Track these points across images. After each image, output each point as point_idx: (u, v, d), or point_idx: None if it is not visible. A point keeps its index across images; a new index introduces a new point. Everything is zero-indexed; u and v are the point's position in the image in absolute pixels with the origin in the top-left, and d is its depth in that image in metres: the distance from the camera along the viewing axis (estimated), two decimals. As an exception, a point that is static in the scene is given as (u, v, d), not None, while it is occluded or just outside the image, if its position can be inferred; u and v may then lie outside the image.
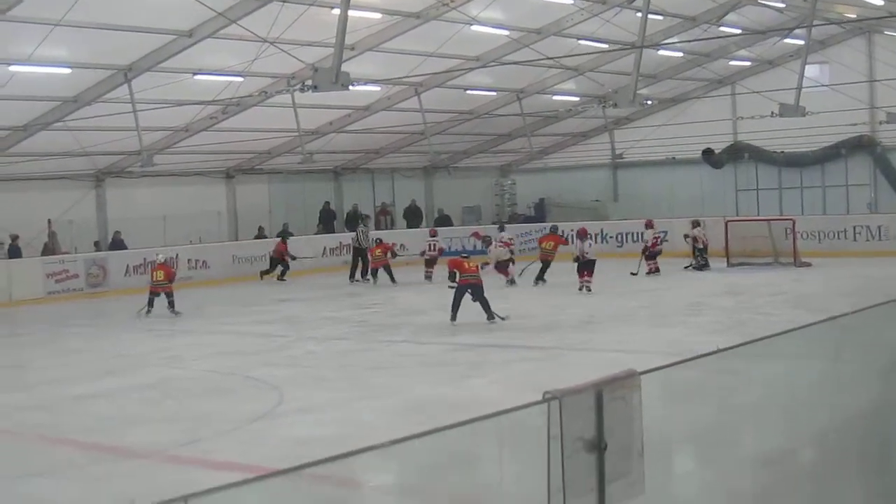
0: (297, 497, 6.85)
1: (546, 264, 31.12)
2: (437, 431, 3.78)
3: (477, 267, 24.04)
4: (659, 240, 33.38)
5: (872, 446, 7.32)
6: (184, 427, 14.37)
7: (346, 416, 14.54)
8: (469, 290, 23.32)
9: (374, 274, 33.72)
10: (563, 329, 22.40)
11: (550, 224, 34.48)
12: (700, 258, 33.60)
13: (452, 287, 23.85)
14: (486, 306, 23.20)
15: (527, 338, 21.28)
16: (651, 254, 32.71)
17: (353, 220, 43.04)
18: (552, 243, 31.66)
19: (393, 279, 32.75)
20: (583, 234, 30.11)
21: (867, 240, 36.22)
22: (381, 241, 35.05)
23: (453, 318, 23.07)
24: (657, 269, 32.44)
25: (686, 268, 33.29)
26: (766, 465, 6.90)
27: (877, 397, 7.66)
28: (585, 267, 29.17)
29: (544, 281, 30.78)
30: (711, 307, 25.09)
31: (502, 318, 23.07)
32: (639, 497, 4.21)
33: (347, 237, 40.20)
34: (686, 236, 34.08)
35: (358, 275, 34.78)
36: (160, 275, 27.32)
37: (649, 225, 33.83)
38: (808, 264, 32.77)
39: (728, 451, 6.80)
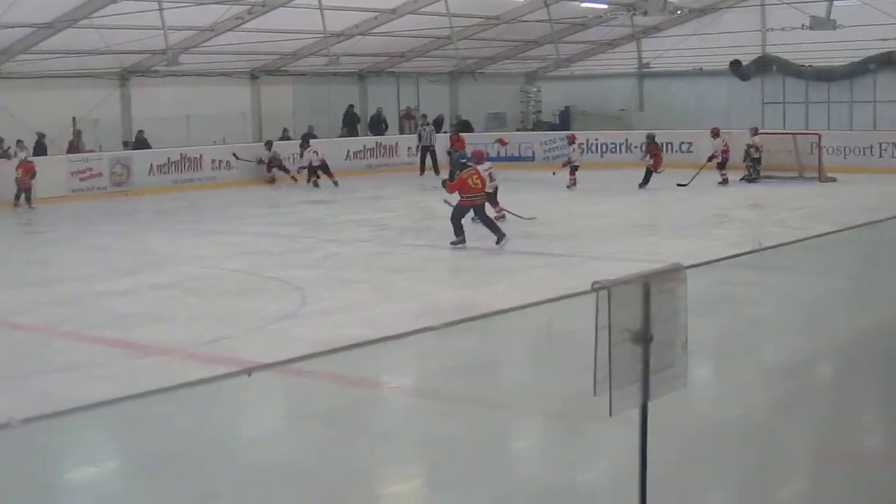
0: (316, 395, 6.95)
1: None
2: (468, 321, 3.83)
3: (483, 183, 21.86)
4: (728, 148, 32.89)
5: (891, 359, 7.36)
6: (207, 325, 14.51)
7: (368, 317, 14.63)
8: (472, 210, 21.60)
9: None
10: (585, 236, 22.42)
11: (648, 133, 33.83)
12: (753, 170, 33.36)
13: (449, 205, 21.89)
14: (492, 226, 21.36)
15: (548, 245, 21.30)
16: (722, 161, 32.39)
17: (377, 123, 43.04)
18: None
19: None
20: (572, 139, 33.45)
21: (893, 156, 35.95)
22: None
23: (459, 240, 21.10)
24: (727, 181, 32.09)
25: (743, 180, 32.96)
26: (784, 376, 6.96)
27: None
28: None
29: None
30: (734, 220, 25.08)
31: (530, 219, 23.00)
32: (681, 389, 4.26)
33: (371, 141, 40.26)
34: (749, 146, 33.57)
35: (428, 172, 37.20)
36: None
37: (715, 133, 33.16)
38: (833, 179, 32.63)
39: (746, 362, 6.86)
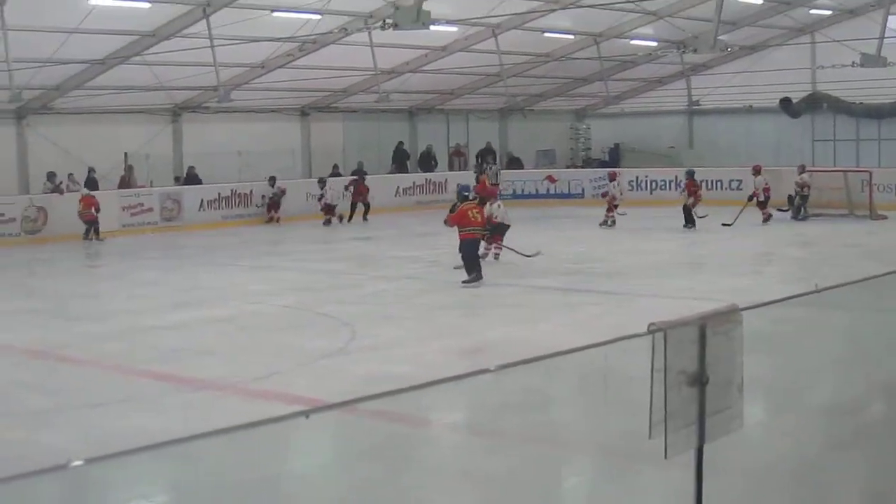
0: (366, 432, 6.96)
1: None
2: (525, 363, 3.83)
3: (483, 218, 21.88)
4: (769, 187, 32.37)
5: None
6: (257, 360, 14.54)
7: (416, 353, 14.63)
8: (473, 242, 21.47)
9: None
10: (633, 274, 22.36)
11: (687, 170, 33.61)
12: (804, 208, 33.15)
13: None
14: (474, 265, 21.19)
15: (597, 282, 21.28)
16: (764, 200, 31.95)
17: (427, 160, 43.17)
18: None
19: None
20: (612, 177, 33.30)
21: (944, 194, 35.79)
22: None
23: (475, 277, 20.86)
24: (770, 217, 31.74)
25: (793, 217, 32.71)
26: (837, 416, 6.91)
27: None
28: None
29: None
30: (783, 257, 24.97)
31: (533, 256, 23.17)
32: (737, 431, 4.25)
33: (421, 177, 40.40)
34: (798, 184, 33.30)
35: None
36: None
37: (757, 171, 32.64)
38: (884, 217, 32.44)
39: (799, 402, 6.82)
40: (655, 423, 3.87)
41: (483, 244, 23.02)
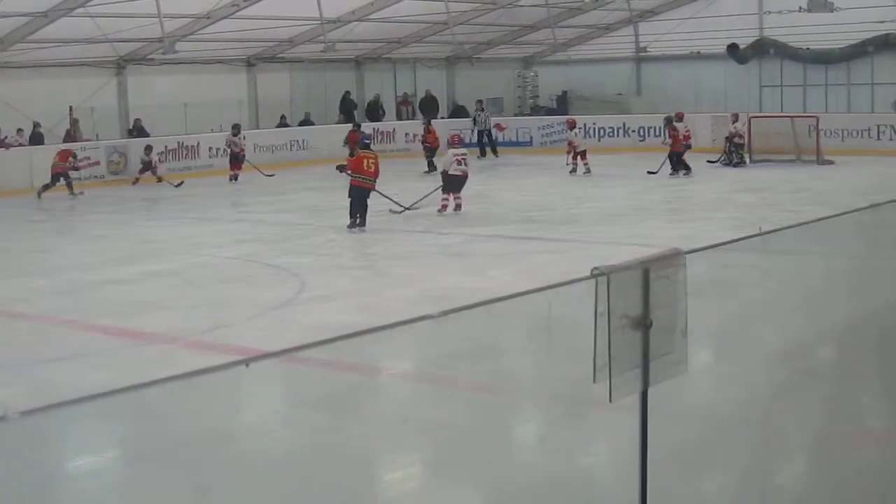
0: (315, 382, 6.95)
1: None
2: (466, 308, 3.81)
3: (377, 167, 22.14)
4: (689, 133, 32.23)
5: (891, 342, 7.36)
6: (207, 313, 14.51)
7: (368, 303, 14.65)
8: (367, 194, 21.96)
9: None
10: (583, 222, 22.45)
11: (666, 115, 33.58)
12: (737, 154, 33.25)
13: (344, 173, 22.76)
14: (361, 212, 21.76)
15: (546, 230, 21.34)
16: (684, 147, 31.54)
17: (374, 110, 43.00)
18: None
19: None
20: (571, 124, 33.50)
21: (891, 139, 36.00)
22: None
23: (355, 223, 21.62)
24: (688, 168, 31.32)
25: (713, 162, 32.88)
26: (785, 360, 6.95)
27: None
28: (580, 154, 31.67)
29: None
30: (732, 203, 25.07)
31: (409, 209, 23.52)
32: (682, 375, 4.26)
33: (369, 127, 40.26)
34: (732, 133, 33.38)
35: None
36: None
37: (679, 118, 32.50)
38: (831, 162, 32.63)
39: (746, 346, 6.85)
40: (599, 367, 3.88)
41: (441, 199, 23.45)
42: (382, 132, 40.65)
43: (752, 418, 6.31)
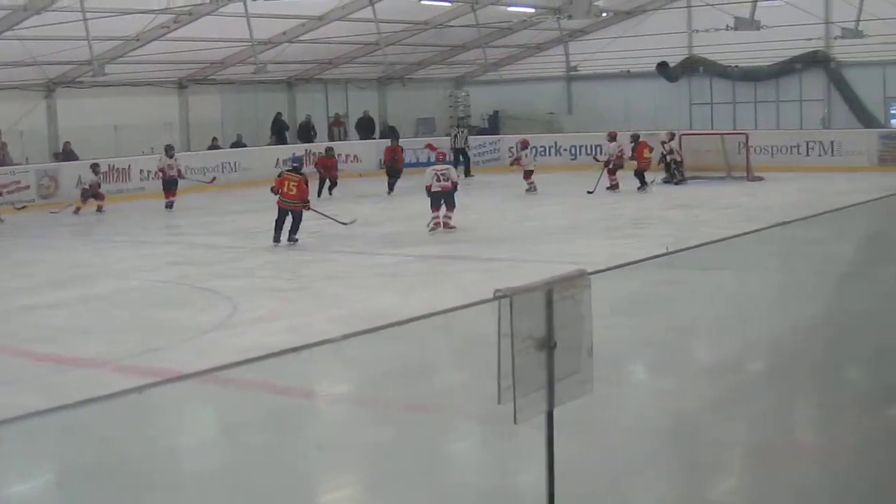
0: (248, 403, 6.92)
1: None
2: (382, 328, 3.81)
3: (300, 189, 22.75)
4: (623, 152, 32.49)
5: (823, 356, 7.42)
6: (137, 338, 14.40)
7: (299, 325, 14.59)
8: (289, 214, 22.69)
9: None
10: (516, 240, 22.52)
11: (632, 133, 33.74)
12: (677, 172, 33.45)
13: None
14: (293, 230, 22.68)
15: (480, 249, 21.38)
16: (614, 167, 31.94)
17: (306, 130, 42.90)
18: (648, 150, 32.27)
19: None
20: (525, 144, 33.41)
21: (820, 155, 36.45)
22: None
23: (275, 238, 22.52)
24: (617, 186, 31.64)
25: (663, 182, 32.94)
26: (715, 374, 6.99)
27: (827, 308, 7.75)
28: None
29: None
30: (664, 220, 25.24)
31: (350, 223, 24.39)
32: (588, 395, 4.27)
33: (301, 148, 40.14)
34: (667, 152, 33.64)
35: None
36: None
37: (612, 137, 32.89)
38: (761, 178, 32.97)
39: (679, 362, 6.88)
40: (504, 388, 3.89)
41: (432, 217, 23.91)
42: (314, 153, 40.17)
43: (684, 433, 6.34)
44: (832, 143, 36.54)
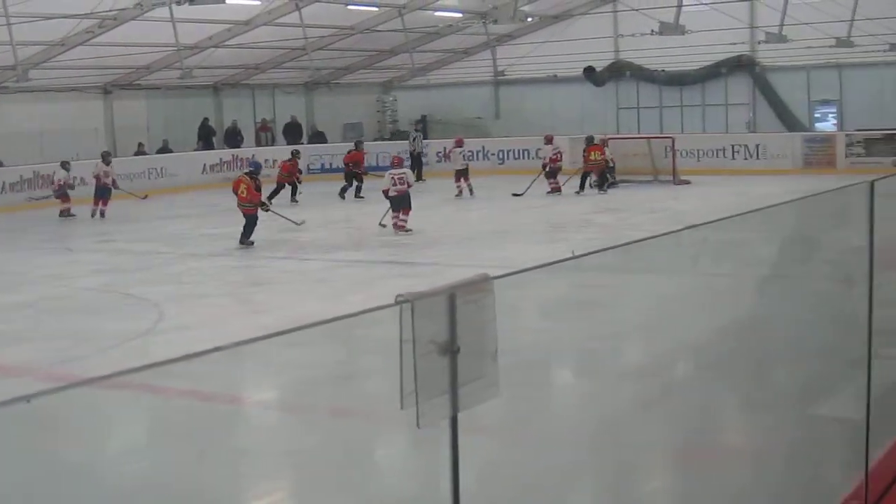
0: (173, 411, 6.85)
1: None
2: (294, 330, 3.78)
3: (251, 192, 23.13)
4: (560, 155, 32.69)
5: (746, 358, 7.46)
6: (61, 345, 14.24)
7: (226, 332, 14.47)
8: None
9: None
10: (446, 245, 22.56)
11: (587, 136, 33.87)
12: (612, 176, 33.55)
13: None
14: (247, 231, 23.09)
15: (409, 254, 21.39)
16: (551, 170, 32.04)
17: (233, 136, 42.72)
18: (598, 153, 32.44)
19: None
20: (459, 143, 33.25)
21: (745, 158, 36.79)
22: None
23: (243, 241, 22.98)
24: (559, 189, 31.83)
25: (595, 187, 32.95)
26: (643, 377, 7.01)
27: (750, 310, 7.80)
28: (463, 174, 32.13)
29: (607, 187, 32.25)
30: (591, 224, 25.35)
31: (300, 223, 25.13)
32: (493, 399, 4.26)
33: (228, 154, 39.94)
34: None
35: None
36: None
37: (549, 140, 33.00)
38: (687, 182, 33.19)
39: (605, 364, 6.90)
40: (406, 393, 3.88)
41: (390, 215, 24.47)
42: (241, 158, 39.83)
43: (609, 435, 6.36)
44: (757, 146, 36.88)
